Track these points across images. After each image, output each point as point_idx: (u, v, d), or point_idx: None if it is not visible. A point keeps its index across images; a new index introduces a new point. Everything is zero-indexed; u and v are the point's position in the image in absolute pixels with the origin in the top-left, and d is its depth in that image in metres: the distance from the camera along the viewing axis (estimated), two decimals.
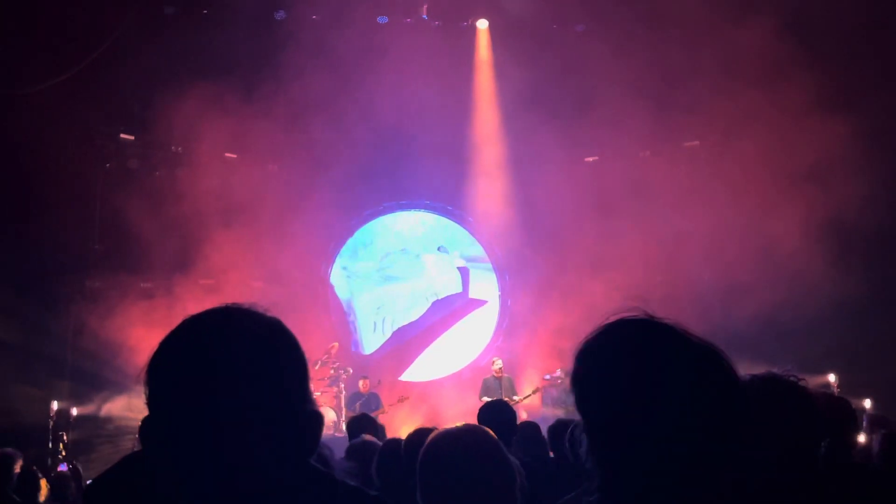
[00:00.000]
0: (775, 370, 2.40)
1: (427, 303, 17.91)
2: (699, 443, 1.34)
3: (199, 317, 1.43)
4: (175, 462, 1.33)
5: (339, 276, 17.61)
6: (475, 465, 2.23)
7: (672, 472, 1.35)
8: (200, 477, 1.31)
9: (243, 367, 1.34)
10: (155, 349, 1.40)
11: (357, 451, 4.53)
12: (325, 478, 1.46)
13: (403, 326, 17.67)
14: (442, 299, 17.91)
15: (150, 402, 1.38)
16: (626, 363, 1.43)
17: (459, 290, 18.11)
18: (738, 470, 1.36)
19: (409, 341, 17.50)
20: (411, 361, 17.21)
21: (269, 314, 1.45)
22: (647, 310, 1.50)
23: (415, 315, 17.81)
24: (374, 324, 17.62)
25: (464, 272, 18.05)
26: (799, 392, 2.35)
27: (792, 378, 2.39)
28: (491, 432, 2.32)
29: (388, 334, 17.59)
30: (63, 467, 7.04)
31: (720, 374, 1.41)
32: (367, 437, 4.73)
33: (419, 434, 3.58)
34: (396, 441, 4.10)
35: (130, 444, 13.34)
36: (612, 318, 1.51)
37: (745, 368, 1.81)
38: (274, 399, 1.35)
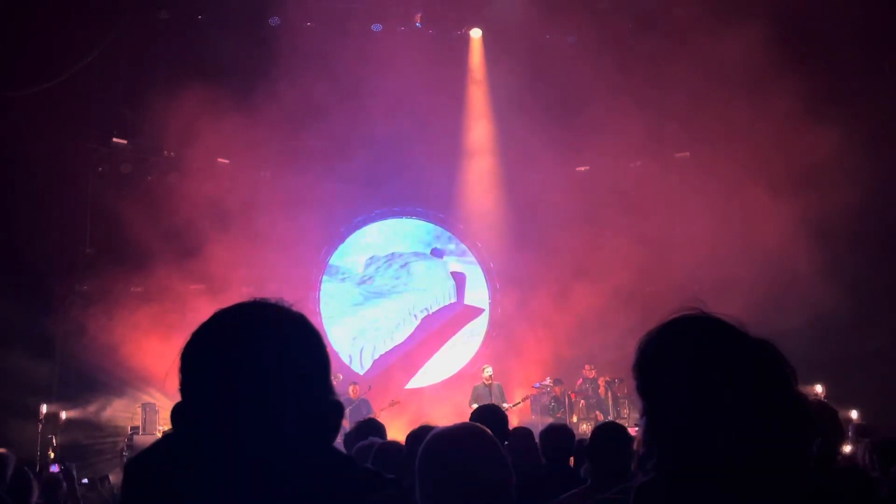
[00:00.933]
0: None
1: (415, 320, 17.60)
2: (754, 431, 1.44)
3: (229, 309, 1.53)
4: (206, 444, 1.41)
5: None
6: (473, 461, 2.26)
7: (726, 458, 1.44)
8: (231, 458, 1.39)
9: (271, 357, 1.43)
10: (188, 339, 1.49)
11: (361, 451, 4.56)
12: (346, 460, 1.55)
13: (386, 353, 17.20)
14: (433, 313, 17.72)
15: (183, 389, 1.46)
16: (687, 353, 1.53)
17: (453, 299, 17.99)
18: (789, 460, 1.44)
19: (392, 365, 17.08)
20: (404, 383, 16.92)
21: (296, 308, 1.53)
22: (705, 309, 1.60)
23: (400, 336, 17.44)
24: (350, 356, 17.06)
25: (459, 278, 18.00)
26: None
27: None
28: (489, 431, 2.37)
29: (367, 365, 17.13)
30: (54, 468, 7.03)
31: (777, 367, 1.52)
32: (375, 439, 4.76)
33: (422, 431, 3.62)
34: (394, 443, 4.13)
35: (120, 446, 13.33)
36: (673, 315, 1.61)
37: None
38: (299, 387, 1.44)
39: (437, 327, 17.65)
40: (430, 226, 18.14)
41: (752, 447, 1.43)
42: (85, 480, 9.54)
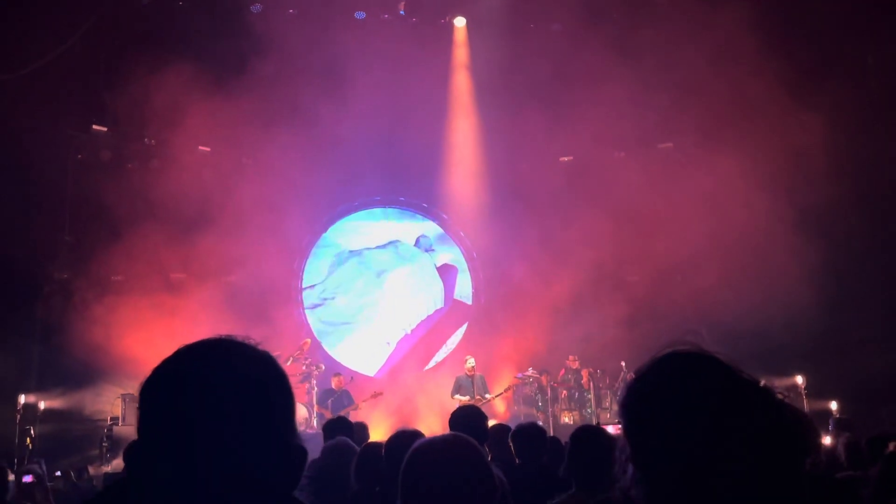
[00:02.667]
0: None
1: (389, 347, 17.18)
2: (744, 477, 1.38)
3: (192, 347, 1.46)
4: (160, 489, 1.35)
5: None
6: (459, 477, 2.22)
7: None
8: None
9: (233, 401, 1.38)
10: (147, 376, 1.43)
11: (332, 451, 4.56)
12: None
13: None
14: (414, 330, 17.53)
15: (140, 428, 1.41)
16: (676, 395, 1.47)
17: (439, 305, 17.82)
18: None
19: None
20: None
21: (261, 348, 1.49)
22: (700, 343, 1.54)
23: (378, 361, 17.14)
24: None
25: (449, 273, 17.93)
26: (788, 409, 2.39)
27: (780, 394, 2.42)
28: (475, 443, 2.33)
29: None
30: (27, 479, 6.95)
31: (770, 413, 1.45)
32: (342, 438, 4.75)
33: (400, 437, 3.58)
34: (376, 445, 4.10)
35: (100, 437, 13.24)
36: (665, 350, 1.53)
37: None
38: (261, 432, 1.39)
39: (424, 335, 17.51)
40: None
41: (750, 496, 1.39)
42: (58, 473, 9.45)
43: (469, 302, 17.92)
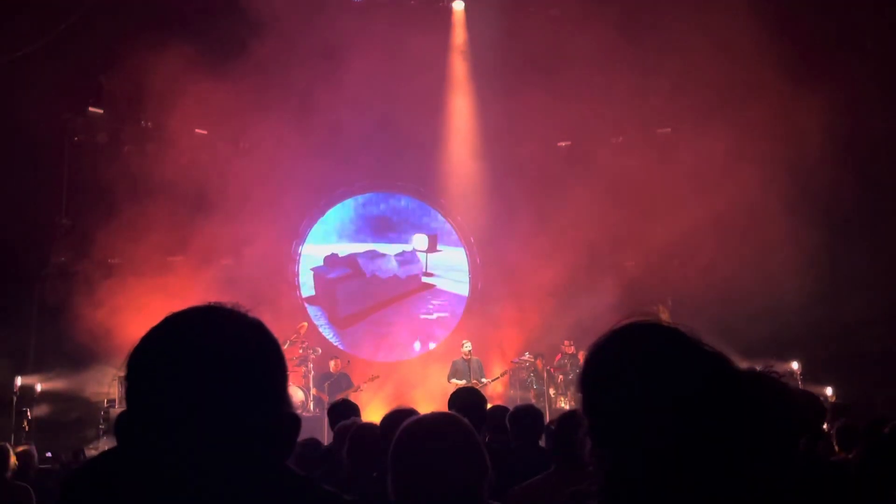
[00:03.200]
0: (757, 367, 2.42)
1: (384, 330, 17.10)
2: (702, 450, 1.35)
3: (181, 314, 1.42)
4: (150, 459, 1.32)
5: None
6: (448, 454, 2.21)
7: (674, 478, 1.36)
8: (175, 475, 1.31)
9: (224, 367, 1.34)
10: (135, 344, 1.40)
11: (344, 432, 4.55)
12: (301, 480, 1.46)
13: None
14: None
15: (129, 398, 1.37)
16: (632, 368, 1.43)
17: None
18: (736, 475, 1.37)
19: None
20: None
21: (252, 315, 1.45)
22: (660, 315, 1.51)
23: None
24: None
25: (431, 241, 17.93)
26: (780, 389, 2.38)
27: (774, 375, 2.42)
28: (466, 422, 2.32)
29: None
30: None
31: (726, 382, 1.42)
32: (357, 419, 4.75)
33: (396, 416, 3.58)
34: (370, 425, 4.10)
35: (96, 420, 13.27)
36: (623, 322, 1.50)
37: None
38: (252, 400, 1.35)
39: (419, 319, 17.60)
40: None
41: (708, 470, 1.35)
42: (49, 454, 9.46)
43: (466, 285, 17.91)
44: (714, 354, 1.45)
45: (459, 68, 16.80)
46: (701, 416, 1.37)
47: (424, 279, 17.66)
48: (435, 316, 17.65)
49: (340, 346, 16.67)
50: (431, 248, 17.74)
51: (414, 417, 2.41)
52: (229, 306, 1.45)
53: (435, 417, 2.39)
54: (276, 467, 1.40)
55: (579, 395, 1.51)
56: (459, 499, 2.19)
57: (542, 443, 5.23)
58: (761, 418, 1.44)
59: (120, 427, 1.37)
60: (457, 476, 2.18)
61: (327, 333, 16.82)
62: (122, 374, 1.41)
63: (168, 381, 1.33)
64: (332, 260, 16.48)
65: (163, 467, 1.31)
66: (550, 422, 5.21)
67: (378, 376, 14.23)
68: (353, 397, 12.46)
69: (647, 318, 1.51)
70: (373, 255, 17.08)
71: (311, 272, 16.18)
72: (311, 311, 16.81)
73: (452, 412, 2.43)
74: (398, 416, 3.54)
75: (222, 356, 1.36)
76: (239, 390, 1.34)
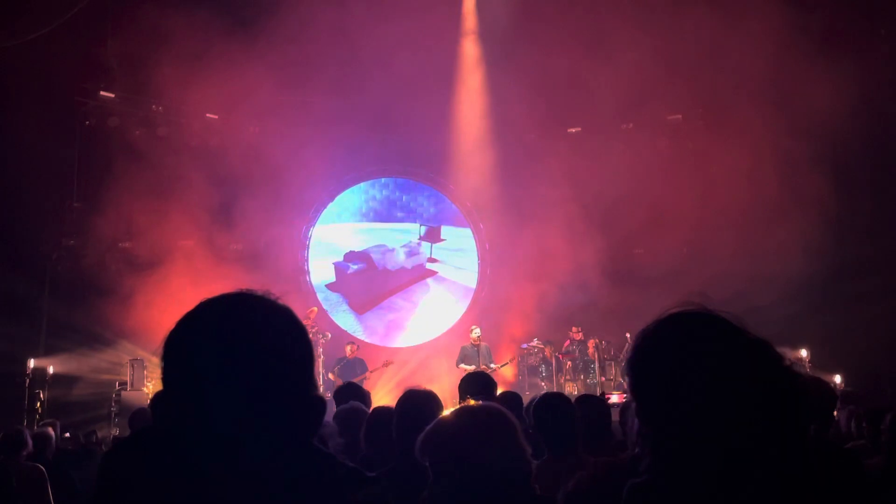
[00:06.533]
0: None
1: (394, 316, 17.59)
2: (749, 433, 1.41)
3: (216, 300, 1.50)
4: (184, 437, 1.40)
5: None
6: (492, 454, 2.20)
7: (721, 461, 1.41)
8: (208, 453, 1.38)
9: (257, 352, 1.42)
10: (172, 328, 1.47)
11: (345, 416, 4.60)
12: (326, 458, 1.53)
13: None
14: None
15: (165, 379, 1.45)
16: (681, 353, 1.48)
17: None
18: (780, 462, 1.42)
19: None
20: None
21: (281, 301, 1.53)
22: (705, 304, 1.56)
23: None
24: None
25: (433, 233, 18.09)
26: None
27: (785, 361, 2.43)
28: (511, 416, 2.31)
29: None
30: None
31: (772, 369, 1.47)
32: (355, 403, 4.79)
33: (412, 396, 3.60)
34: (385, 409, 4.14)
35: (107, 402, 13.35)
36: (671, 311, 1.56)
37: None
38: (282, 382, 1.43)
39: (429, 305, 17.77)
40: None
41: (751, 453, 1.40)
42: (67, 434, 9.56)
43: (475, 272, 17.95)
44: (758, 340, 1.51)
45: (470, 55, 16.76)
46: (745, 401, 1.42)
47: (429, 265, 17.80)
48: (443, 301, 17.70)
49: (361, 330, 16.89)
50: (436, 239, 17.86)
51: (460, 407, 2.40)
52: (259, 293, 1.52)
53: (480, 413, 2.36)
54: (304, 445, 1.48)
55: (627, 377, 1.58)
56: (501, 489, 2.19)
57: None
58: (800, 404, 1.48)
59: (155, 406, 1.43)
60: (498, 468, 2.18)
61: (348, 318, 17.02)
62: (159, 356, 1.47)
63: (203, 364, 1.41)
64: (350, 255, 17.14)
65: (197, 446, 1.39)
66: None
67: (392, 362, 14.36)
68: (365, 383, 12.57)
69: (693, 306, 1.56)
70: (383, 251, 17.50)
71: (333, 266, 17.08)
72: (334, 297, 17.10)
73: (493, 405, 2.43)
74: (414, 398, 3.58)
75: (256, 341, 1.43)
76: (271, 374, 1.42)
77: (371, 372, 13.90)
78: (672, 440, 1.46)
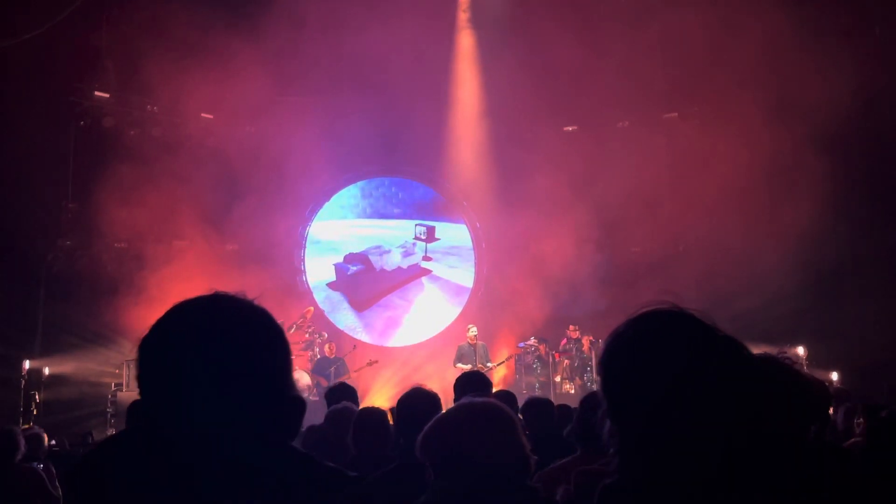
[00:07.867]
0: (772, 352, 2.42)
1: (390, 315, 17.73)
2: (718, 432, 1.40)
3: (188, 302, 1.49)
4: (162, 441, 1.39)
5: None
6: (493, 447, 2.18)
7: (690, 459, 1.40)
8: (185, 457, 1.37)
9: (229, 354, 1.41)
10: (146, 332, 1.45)
11: (336, 416, 4.58)
12: (306, 459, 1.51)
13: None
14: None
15: (140, 383, 1.44)
16: (652, 352, 1.48)
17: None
18: (752, 457, 1.41)
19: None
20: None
21: (257, 302, 1.51)
22: (677, 303, 1.55)
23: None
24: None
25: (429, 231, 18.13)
26: (794, 375, 2.38)
27: (787, 360, 2.42)
28: (510, 411, 2.29)
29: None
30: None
31: (741, 367, 1.46)
32: (348, 403, 4.77)
33: (413, 396, 3.56)
34: (373, 409, 4.12)
35: (103, 403, 13.34)
36: (643, 309, 1.55)
37: None
38: (258, 384, 1.42)
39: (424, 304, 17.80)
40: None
41: (722, 452, 1.39)
42: (53, 442, 9.51)
43: (471, 270, 17.93)
44: (728, 339, 1.50)
45: (466, 53, 16.73)
46: (713, 399, 1.41)
47: (423, 264, 17.82)
48: (438, 299, 17.70)
49: (361, 327, 17.01)
50: (431, 238, 17.86)
51: (460, 403, 2.38)
52: (234, 294, 1.50)
53: (476, 405, 2.34)
54: (281, 447, 1.46)
55: (599, 378, 1.57)
56: (502, 485, 2.17)
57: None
58: (775, 403, 1.48)
59: (131, 412, 1.44)
60: (498, 463, 2.16)
61: (349, 316, 17.09)
62: (133, 360, 1.46)
63: (176, 367, 1.40)
64: (349, 258, 17.36)
65: (171, 450, 1.38)
66: (562, 405, 5.21)
67: (376, 361, 14.27)
68: (351, 382, 12.52)
69: (665, 305, 1.55)
70: (381, 252, 17.62)
71: (334, 266, 17.37)
72: (335, 296, 17.22)
73: (492, 401, 2.41)
74: (415, 398, 3.55)
75: (228, 343, 1.42)
76: (244, 376, 1.40)
77: (356, 372, 13.85)
78: (640, 439, 1.45)
